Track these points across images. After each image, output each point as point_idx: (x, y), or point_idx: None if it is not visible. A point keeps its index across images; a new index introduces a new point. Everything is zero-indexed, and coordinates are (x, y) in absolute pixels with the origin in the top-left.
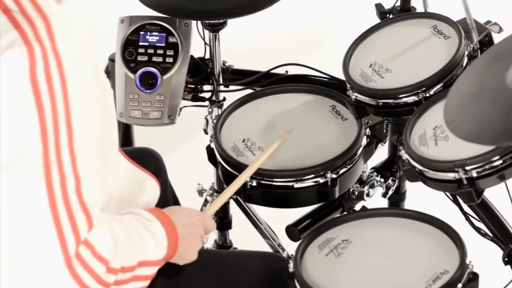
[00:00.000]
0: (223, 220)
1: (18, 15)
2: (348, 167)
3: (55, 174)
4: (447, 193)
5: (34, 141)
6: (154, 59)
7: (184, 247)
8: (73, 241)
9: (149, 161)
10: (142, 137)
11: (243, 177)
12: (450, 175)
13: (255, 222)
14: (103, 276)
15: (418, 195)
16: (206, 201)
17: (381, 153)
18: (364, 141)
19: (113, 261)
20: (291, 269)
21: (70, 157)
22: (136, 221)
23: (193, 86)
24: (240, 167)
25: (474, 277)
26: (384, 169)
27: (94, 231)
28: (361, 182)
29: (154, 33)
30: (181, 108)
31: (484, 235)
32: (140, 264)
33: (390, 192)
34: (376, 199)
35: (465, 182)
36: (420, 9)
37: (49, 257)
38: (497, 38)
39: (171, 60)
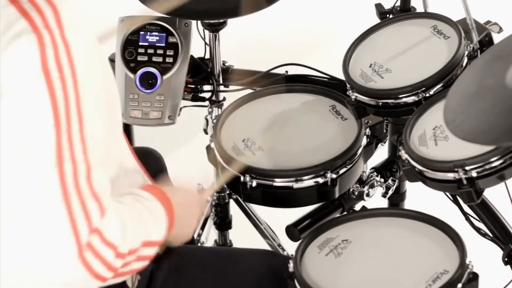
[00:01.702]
0: (223, 220)
1: (26, 4)
2: (348, 167)
3: (68, 163)
4: (447, 193)
5: (48, 130)
6: (154, 59)
7: (180, 226)
8: (86, 229)
9: (150, 161)
10: (142, 137)
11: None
12: (450, 175)
13: (255, 222)
14: (112, 262)
15: (418, 195)
16: (206, 201)
17: (381, 153)
18: (364, 141)
19: (122, 246)
20: (291, 269)
21: (81, 145)
22: (137, 202)
23: (193, 86)
24: (240, 167)
25: (474, 277)
26: (384, 169)
27: (104, 218)
28: (361, 182)
29: (154, 33)
30: (181, 108)
31: (484, 235)
32: (144, 245)
33: (390, 192)
34: (376, 199)
35: (465, 182)
36: (420, 9)
37: (62, 246)
38: (497, 38)
39: (171, 60)
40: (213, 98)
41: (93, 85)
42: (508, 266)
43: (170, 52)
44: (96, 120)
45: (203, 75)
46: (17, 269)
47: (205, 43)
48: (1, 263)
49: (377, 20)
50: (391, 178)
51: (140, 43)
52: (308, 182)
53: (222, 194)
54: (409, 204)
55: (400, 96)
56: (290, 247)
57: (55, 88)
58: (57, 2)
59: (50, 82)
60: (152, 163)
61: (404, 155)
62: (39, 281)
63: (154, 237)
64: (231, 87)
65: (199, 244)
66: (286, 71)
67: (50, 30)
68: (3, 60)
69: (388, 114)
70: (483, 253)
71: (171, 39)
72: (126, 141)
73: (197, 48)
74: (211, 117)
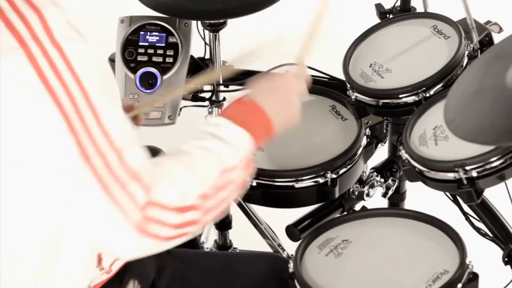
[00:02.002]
0: (223, 220)
1: (10, 13)
2: (348, 167)
3: (96, 158)
4: (447, 193)
5: (65, 137)
6: (154, 59)
7: (279, 114)
8: (135, 210)
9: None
10: (142, 137)
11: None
12: (450, 175)
13: (255, 222)
14: (179, 221)
15: (418, 195)
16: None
17: (381, 153)
18: (364, 141)
19: (185, 201)
20: (291, 269)
21: (104, 137)
22: (201, 137)
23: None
24: None
25: (474, 277)
26: (384, 169)
27: (154, 190)
28: (361, 182)
29: (154, 33)
30: (181, 108)
31: (484, 235)
32: (221, 175)
33: (390, 192)
34: (376, 199)
35: (465, 182)
36: (420, 9)
37: (122, 233)
38: (497, 38)
39: (171, 60)
40: (213, 98)
41: (96, 74)
42: (508, 266)
43: (170, 52)
44: (111, 106)
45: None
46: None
47: (205, 43)
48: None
49: (377, 20)
50: (391, 178)
51: (140, 43)
52: (308, 182)
53: None
54: (409, 204)
55: (400, 96)
56: (290, 247)
57: (58, 96)
58: (40, 5)
59: (52, 90)
60: None
61: (404, 155)
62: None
63: (232, 161)
64: (231, 87)
65: (199, 245)
66: (286, 71)
67: (37, 39)
68: None
69: (388, 114)
70: (483, 253)
71: (171, 39)
72: None
73: (197, 48)
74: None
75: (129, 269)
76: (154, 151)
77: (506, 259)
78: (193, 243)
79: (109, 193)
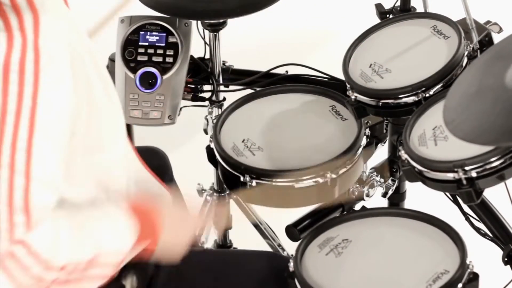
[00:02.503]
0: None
1: (7, 6)
2: (348, 167)
3: (5, 170)
4: (447, 193)
5: None
6: (154, 59)
7: (168, 236)
8: (7, 240)
9: (154, 160)
10: (142, 137)
11: None
12: (450, 175)
13: (255, 222)
14: (39, 274)
15: (418, 195)
16: (206, 201)
17: (381, 153)
18: (364, 141)
19: (53, 260)
20: (291, 269)
21: (25, 156)
22: (95, 220)
23: (193, 86)
24: (240, 167)
25: (474, 277)
26: (384, 169)
27: (34, 232)
28: (361, 182)
29: (154, 33)
30: (181, 108)
31: (484, 235)
32: (91, 265)
33: (390, 192)
34: (376, 199)
35: (464, 182)
36: (420, 9)
37: None
38: (497, 38)
39: (171, 60)
40: (213, 98)
41: (59, 99)
42: (508, 266)
43: (170, 52)
44: (53, 136)
45: (203, 75)
46: None
47: (205, 43)
48: None
49: (377, 20)
50: (391, 178)
51: (140, 43)
52: (308, 182)
53: (222, 194)
54: (409, 204)
55: (400, 96)
56: (290, 247)
57: (9, 91)
58: (40, 9)
59: (7, 83)
60: (156, 162)
61: (404, 155)
62: None
63: (108, 259)
64: (231, 87)
65: (199, 244)
66: (286, 71)
67: (23, 34)
68: None
69: (388, 114)
70: (483, 253)
71: (171, 39)
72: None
73: (197, 48)
74: (211, 117)
75: (126, 265)
76: (156, 153)
77: (506, 259)
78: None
79: None
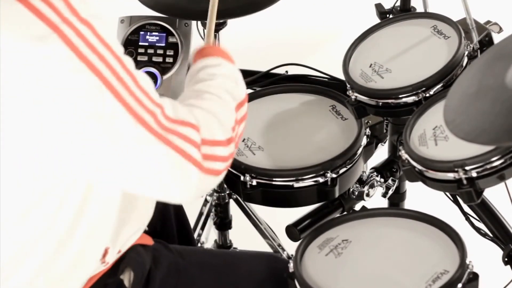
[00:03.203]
0: (223, 220)
1: (37, 2)
2: (348, 166)
3: (145, 114)
4: (447, 193)
5: (115, 108)
6: (154, 59)
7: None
8: (195, 150)
9: None
10: None
11: None
12: (450, 175)
13: (255, 222)
14: (227, 153)
15: (418, 195)
16: (206, 201)
17: (381, 153)
18: (364, 141)
19: (225, 135)
20: (291, 269)
21: (144, 95)
22: (211, 78)
23: None
24: (240, 167)
25: (474, 277)
26: (384, 169)
27: (202, 129)
28: (361, 182)
29: (154, 33)
30: None
31: (484, 235)
32: (237, 108)
33: (390, 192)
34: (376, 199)
35: (465, 182)
36: (420, 9)
37: (188, 176)
38: (497, 38)
39: (171, 60)
40: None
41: (116, 40)
42: (508, 266)
43: (170, 52)
44: (134, 66)
45: None
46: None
47: None
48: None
49: (377, 20)
50: (391, 178)
51: (140, 43)
52: (308, 181)
53: (222, 194)
54: (409, 204)
55: (400, 96)
56: (290, 247)
57: (99, 69)
58: None
59: (92, 66)
60: None
61: (404, 155)
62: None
63: (242, 96)
64: None
65: (199, 245)
66: (286, 71)
67: (68, 22)
68: (32, 63)
69: (388, 114)
70: (483, 253)
71: (171, 39)
72: None
73: None
74: None
75: (124, 259)
76: None
77: (506, 259)
78: (190, 240)
79: (169, 143)
